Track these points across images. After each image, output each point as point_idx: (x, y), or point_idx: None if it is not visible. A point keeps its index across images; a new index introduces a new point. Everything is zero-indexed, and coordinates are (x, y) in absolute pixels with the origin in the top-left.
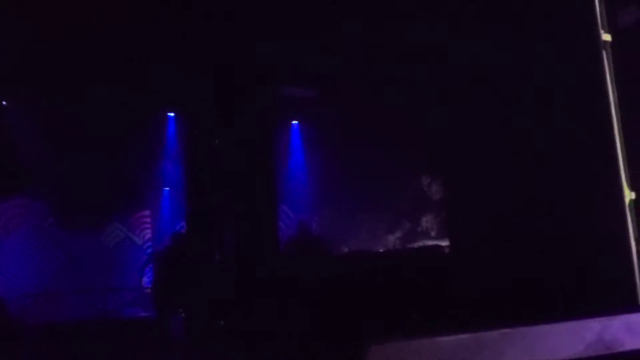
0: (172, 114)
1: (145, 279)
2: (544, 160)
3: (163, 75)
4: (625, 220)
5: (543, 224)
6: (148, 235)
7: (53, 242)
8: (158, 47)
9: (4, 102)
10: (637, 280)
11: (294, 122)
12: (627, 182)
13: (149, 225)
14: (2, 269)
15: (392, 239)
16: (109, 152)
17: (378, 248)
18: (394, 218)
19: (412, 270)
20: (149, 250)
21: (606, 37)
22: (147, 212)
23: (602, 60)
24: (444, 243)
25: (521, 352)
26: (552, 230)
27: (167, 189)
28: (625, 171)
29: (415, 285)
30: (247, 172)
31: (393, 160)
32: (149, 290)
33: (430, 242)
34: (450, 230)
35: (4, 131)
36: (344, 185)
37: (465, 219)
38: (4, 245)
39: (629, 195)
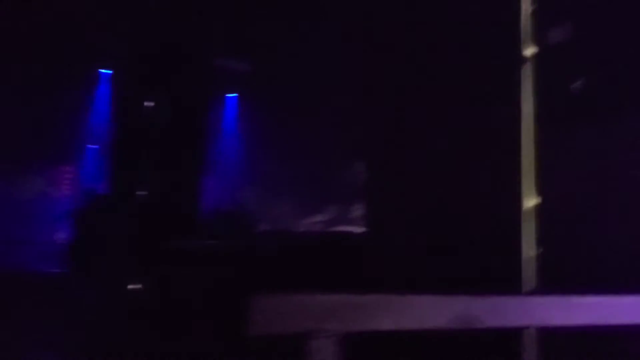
0: (105, 72)
1: (59, 235)
2: (456, 162)
3: (101, 33)
4: (519, 225)
5: (448, 221)
6: (67, 191)
7: None
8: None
9: None
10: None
11: (230, 95)
12: (535, 187)
13: (69, 181)
14: None
15: (314, 222)
16: (36, 104)
17: (297, 228)
18: (320, 201)
19: (324, 250)
20: (66, 207)
21: (530, 50)
22: (69, 168)
23: (519, 71)
24: (360, 230)
25: (390, 317)
26: (455, 225)
27: (93, 146)
28: (533, 177)
29: (322, 263)
30: (176, 139)
31: (328, 143)
32: (61, 247)
33: (349, 228)
34: (368, 217)
35: None
36: (274, 163)
37: (383, 209)
38: None
39: (534, 200)
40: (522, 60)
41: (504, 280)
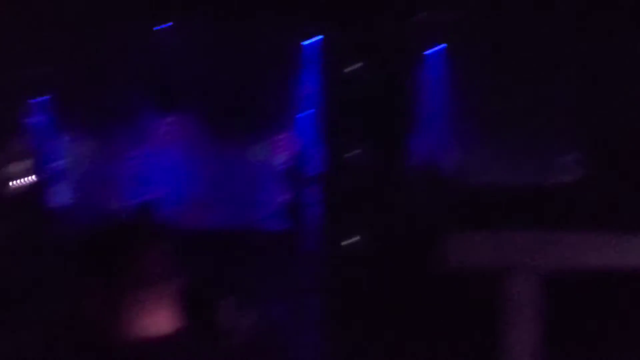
0: (309, 42)
1: (283, 196)
2: None
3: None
4: None
5: None
6: (290, 155)
7: (203, 158)
8: None
9: (171, 23)
10: None
11: (439, 46)
12: None
13: (287, 147)
14: (155, 179)
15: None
16: (258, 77)
17: (516, 185)
18: (539, 154)
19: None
20: (287, 170)
21: None
22: (287, 135)
23: None
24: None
25: (596, 255)
26: None
27: (311, 110)
28: None
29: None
30: (385, 99)
31: (546, 93)
32: (289, 206)
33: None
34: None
35: (165, 50)
36: (488, 120)
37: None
38: (159, 157)
39: None
40: None
41: None
